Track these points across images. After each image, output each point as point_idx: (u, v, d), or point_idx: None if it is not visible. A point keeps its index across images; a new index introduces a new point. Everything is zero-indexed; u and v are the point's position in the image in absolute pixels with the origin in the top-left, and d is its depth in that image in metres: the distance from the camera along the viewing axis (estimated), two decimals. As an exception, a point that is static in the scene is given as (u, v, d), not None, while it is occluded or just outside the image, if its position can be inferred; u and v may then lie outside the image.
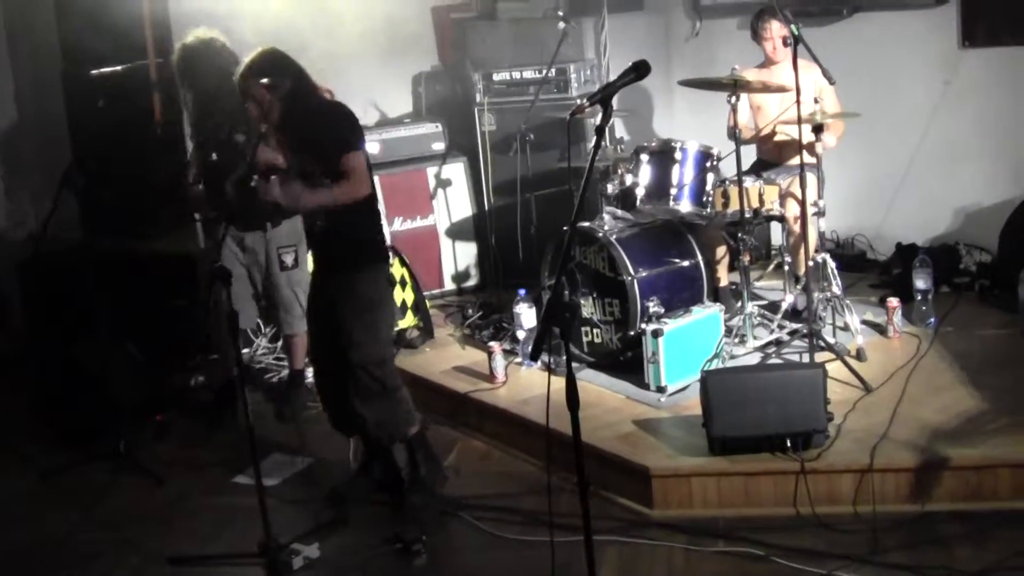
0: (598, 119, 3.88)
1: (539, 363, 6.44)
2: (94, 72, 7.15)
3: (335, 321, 5.31)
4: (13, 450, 6.61)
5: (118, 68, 7.26)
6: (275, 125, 5.30)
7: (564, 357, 5.56)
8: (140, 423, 6.60)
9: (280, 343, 7.42)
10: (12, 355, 7.60)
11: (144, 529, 5.55)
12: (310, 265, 5.80)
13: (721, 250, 6.89)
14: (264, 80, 5.24)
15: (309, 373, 7.06)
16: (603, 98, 3.86)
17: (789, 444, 5.15)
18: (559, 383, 3.71)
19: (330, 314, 5.34)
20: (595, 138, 3.85)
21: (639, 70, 3.86)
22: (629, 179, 6.41)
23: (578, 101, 7.65)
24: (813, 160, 6.25)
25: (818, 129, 6.17)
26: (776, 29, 6.64)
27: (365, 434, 5.54)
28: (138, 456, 6.21)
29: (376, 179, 7.61)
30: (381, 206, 7.54)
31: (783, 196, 6.45)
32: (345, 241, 5.32)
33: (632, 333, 6.13)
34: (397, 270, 7.18)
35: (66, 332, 6.78)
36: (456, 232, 8.13)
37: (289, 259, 6.58)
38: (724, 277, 6.97)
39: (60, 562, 5.32)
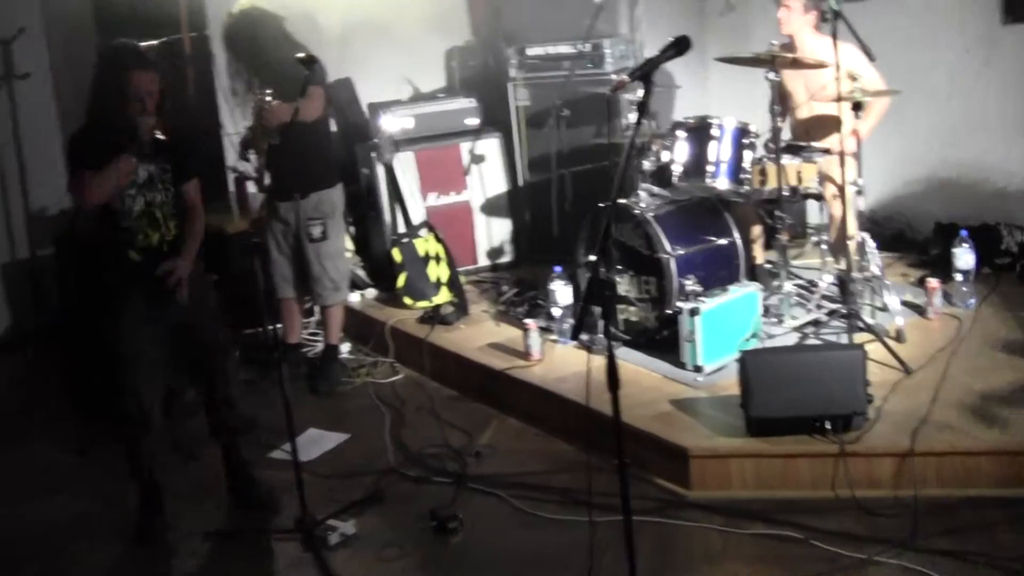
0: (634, 94, 3.84)
1: (574, 341, 6.40)
2: (130, 47, 7.12)
3: None
4: (48, 424, 6.63)
5: (153, 42, 7.23)
6: None
7: (602, 335, 5.57)
8: (175, 397, 6.61)
9: (316, 317, 7.42)
10: (48, 329, 7.63)
11: (179, 505, 5.54)
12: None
13: (757, 228, 6.83)
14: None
15: (344, 348, 7.10)
16: (644, 74, 3.83)
17: (828, 426, 5.09)
18: (596, 361, 3.68)
19: None
20: (636, 114, 3.81)
21: (680, 46, 3.82)
22: (665, 155, 6.34)
23: (613, 76, 7.61)
24: (851, 139, 6.19)
25: (857, 107, 6.09)
26: None
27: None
28: (173, 432, 6.22)
29: (410, 154, 7.73)
30: (415, 181, 7.66)
31: (822, 175, 6.38)
32: None
33: (669, 311, 6.07)
34: (432, 246, 7.17)
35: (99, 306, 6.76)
36: (490, 208, 8.09)
37: (316, 231, 6.58)
38: (760, 255, 6.90)
39: (96, 537, 5.34)
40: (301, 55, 5.57)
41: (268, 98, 6.10)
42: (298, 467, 5.01)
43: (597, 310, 3.90)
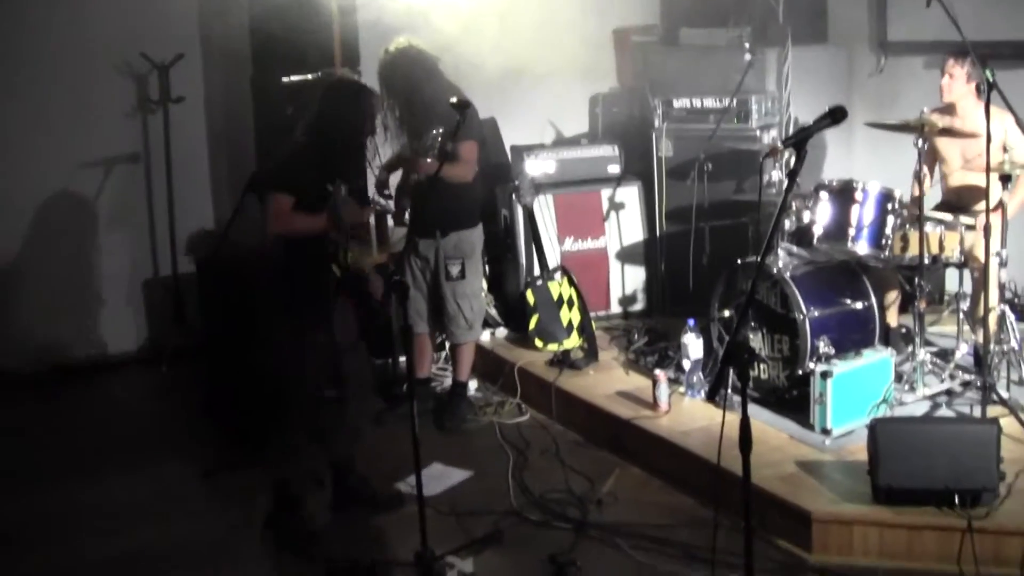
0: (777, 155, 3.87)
1: (709, 398, 6.36)
2: (284, 80, 7.31)
3: None
4: (182, 446, 6.79)
5: (308, 76, 7.41)
6: None
7: (729, 391, 5.55)
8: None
9: (445, 352, 7.52)
10: (188, 350, 7.85)
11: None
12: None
13: (893, 293, 6.76)
14: None
15: (472, 385, 7.17)
16: (798, 141, 3.86)
17: (957, 500, 5.02)
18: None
19: None
20: (781, 175, 3.84)
21: (835, 116, 3.86)
22: (807, 216, 6.31)
23: (758, 132, 7.62)
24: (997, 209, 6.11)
25: (1006, 179, 6.02)
26: (950, 66, 6.49)
27: None
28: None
29: (550, 198, 7.80)
30: (553, 225, 7.74)
31: (965, 244, 6.30)
32: None
33: (800, 372, 6.05)
34: (566, 290, 7.22)
35: (239, 332, 6.91)
36: (626, 256, 8.11)
37: (454, 270, 6.67)
38: (894, 320, 6.84)
39: (212, 561, 5.46)
40: (454, 100, 5.69)
41: (439, 137, 6.24)
42: (422, 501, 5.06)
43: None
